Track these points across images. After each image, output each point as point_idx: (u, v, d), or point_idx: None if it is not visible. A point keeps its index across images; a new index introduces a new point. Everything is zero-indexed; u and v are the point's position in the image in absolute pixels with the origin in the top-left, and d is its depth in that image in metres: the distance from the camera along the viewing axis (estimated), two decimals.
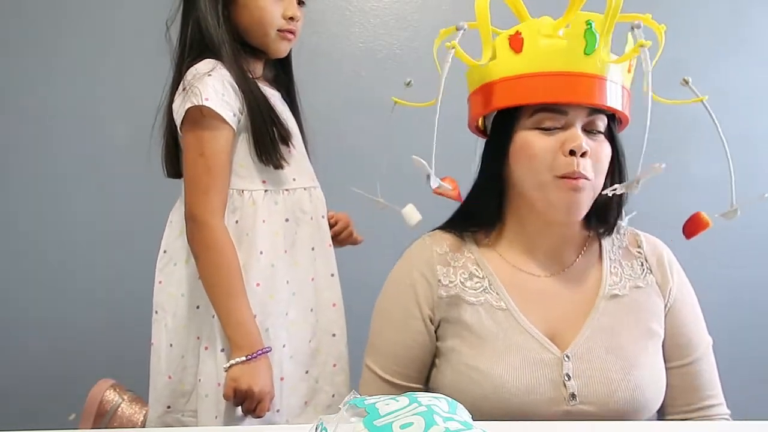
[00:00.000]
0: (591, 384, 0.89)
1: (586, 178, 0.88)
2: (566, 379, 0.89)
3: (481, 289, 0.95)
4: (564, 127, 0.89)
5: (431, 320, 0.96)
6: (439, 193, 0.94)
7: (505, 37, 0.91)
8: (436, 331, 0.96)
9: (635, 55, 0.85)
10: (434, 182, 0.87)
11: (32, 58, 1.99)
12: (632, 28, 0.86)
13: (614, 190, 0.85)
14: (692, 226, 1.02)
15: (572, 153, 0.87)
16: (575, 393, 0.88)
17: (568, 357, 0.90)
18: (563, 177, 0.88)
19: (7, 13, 1.99)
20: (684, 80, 0.94)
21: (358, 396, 0.62)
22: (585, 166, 0.88)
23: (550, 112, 0.89)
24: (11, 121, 2.00)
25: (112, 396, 1.17)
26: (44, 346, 1.97)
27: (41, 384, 1.93)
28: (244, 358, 1.05)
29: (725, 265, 2.05)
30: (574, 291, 0.96)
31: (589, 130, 0.90)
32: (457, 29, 0.89)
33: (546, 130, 0.90)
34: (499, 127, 0.95)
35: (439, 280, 0.96)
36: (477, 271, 0.97)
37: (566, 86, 0.88)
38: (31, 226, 2.00)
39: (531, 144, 0.90)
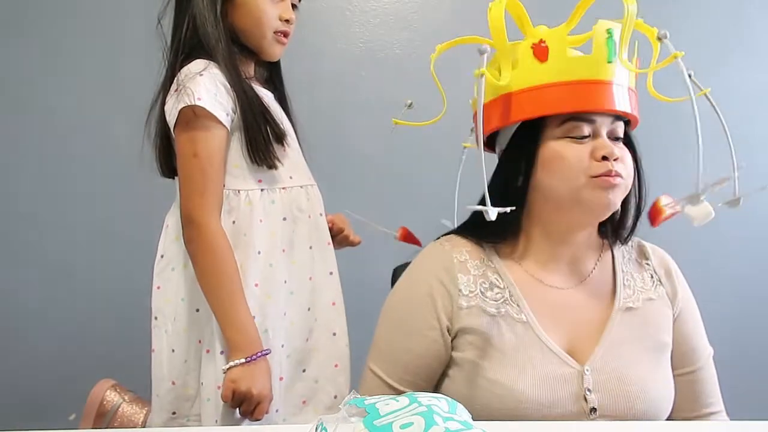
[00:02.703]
0: (611, 397, 0.89)
1: (621, 177, 0.90)
2: (587, 393, 0.88)
3: (502, 300, 0.94)
4: (592, 136, 0.91)
5: (449, 330, 0.94)
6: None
7: (528, 46, 0.90)
8: (452, 341, 0.94)
9: (668, 64, 0.86)
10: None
11: (31, 57, 1.99)
12: (659, 38, 0.87)
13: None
14: (653, 213, 1.03)
15: (605, 158, 0.89)
16: (596, 407, 0.88)
17: (587, 370, 0.90)
18: (599, 176, 0.89)
19: (6, 12, 1.99)
20: (688, 74, 0.94)
21: (358, 396, 0.62)
22: (619, 168, 0.90)
23: (579, 120, 0.90)
24: (10, 121, 2.00)
25: (112, 396, 1.17)
26: (44, 347, 1.97)
27: (41, 384, 1.93)
28: (243, 360, 1.04)
29: (728, 265, 2.06)
30: (591, 303, 0.96)
31: (612, 137, 0.92)
32: (481, 53, 0.87)
33: (575, 138, 0.90)
34: (523, 139, 0.94)
35: (460, 290, 0.94)
36: (497, 281, 0.96)
37: (594, 94, 0.89)
38: (32, 227, 2.00)
39: (563, 153, 0.90)
